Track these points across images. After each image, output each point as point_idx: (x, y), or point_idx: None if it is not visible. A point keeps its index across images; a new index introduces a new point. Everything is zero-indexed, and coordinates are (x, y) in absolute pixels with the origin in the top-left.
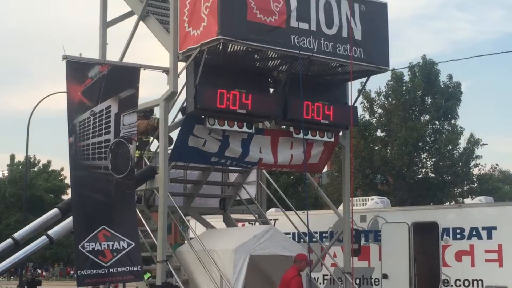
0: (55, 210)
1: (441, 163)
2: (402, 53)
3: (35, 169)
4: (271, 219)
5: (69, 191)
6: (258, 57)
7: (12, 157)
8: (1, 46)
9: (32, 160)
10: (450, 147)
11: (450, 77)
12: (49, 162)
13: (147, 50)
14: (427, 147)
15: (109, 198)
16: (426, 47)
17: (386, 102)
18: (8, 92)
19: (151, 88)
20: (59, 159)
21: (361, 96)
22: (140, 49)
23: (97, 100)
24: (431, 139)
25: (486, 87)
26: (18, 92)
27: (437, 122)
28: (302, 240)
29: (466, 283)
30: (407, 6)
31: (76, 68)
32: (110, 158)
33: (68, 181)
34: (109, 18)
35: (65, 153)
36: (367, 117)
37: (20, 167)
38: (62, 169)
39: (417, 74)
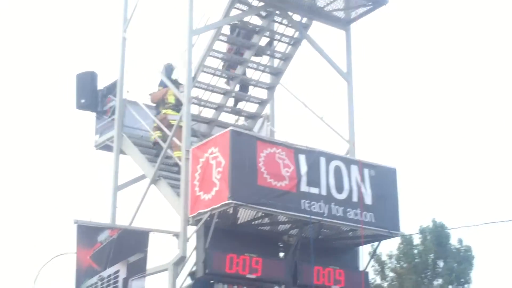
0: None
1: None
2: (412, 215)
3: None
4: None
5: None
6: (268, 221)
7: None
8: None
9: None
10: None
11: (460, 241)
12: None
13: (158, 211)
14: None
15: None
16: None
17: (397, 266)
18: None
19: (158, 249)
20: None
21: (372, 259)
22: (150, 210)
23: (106, 265)
24: None
25: (499, 250)
26: None
27: (450, 287)
28: None
29: None
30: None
31: (86, 232)
32: None
33: None
34: (120, 182)
35: None
36: (378, 280)
37: None
38: None
39: (428, 237)
